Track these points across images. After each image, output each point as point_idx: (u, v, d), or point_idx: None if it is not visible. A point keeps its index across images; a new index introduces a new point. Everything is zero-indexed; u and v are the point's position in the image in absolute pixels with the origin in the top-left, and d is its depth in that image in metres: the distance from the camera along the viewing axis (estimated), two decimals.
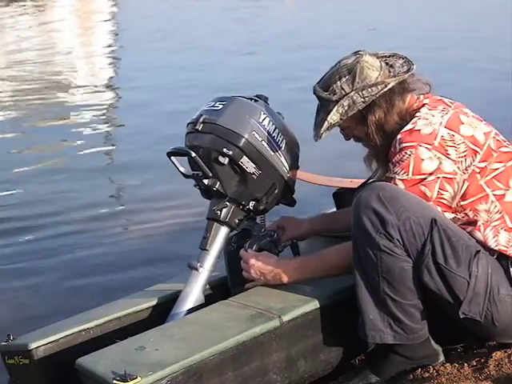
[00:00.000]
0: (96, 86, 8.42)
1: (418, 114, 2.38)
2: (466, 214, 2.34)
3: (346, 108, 2.38)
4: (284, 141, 2.59)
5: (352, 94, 2.37)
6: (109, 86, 8.48)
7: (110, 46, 11.18)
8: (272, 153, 2.55)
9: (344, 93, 2.38)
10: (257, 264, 2.52)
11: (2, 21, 13.44)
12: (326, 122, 2.39)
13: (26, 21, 13.55)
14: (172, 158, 2.61)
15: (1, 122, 7.06)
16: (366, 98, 2.37)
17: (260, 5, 13.90)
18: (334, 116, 2.39)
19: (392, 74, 2.42)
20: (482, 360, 2.40)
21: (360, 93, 2.37)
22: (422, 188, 2.29)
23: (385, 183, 2.33)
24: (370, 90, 2.36)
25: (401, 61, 2.47)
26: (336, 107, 2.39)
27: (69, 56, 10.30)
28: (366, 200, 2.28)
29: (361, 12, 12.36)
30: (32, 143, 6.32)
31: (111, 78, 9.04)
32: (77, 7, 15.62)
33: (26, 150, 6.09)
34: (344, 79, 2.39)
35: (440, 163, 2.29)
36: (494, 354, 2.40)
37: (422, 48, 7.98)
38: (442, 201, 2.31)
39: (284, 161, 2.59)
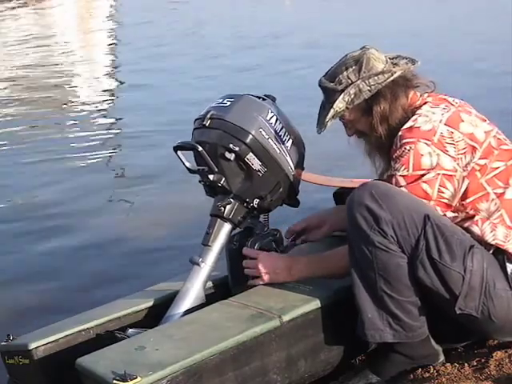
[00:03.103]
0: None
1: (418, 112, 2.39)
2: (467, 213, 2.35)
3: (353, 96, 2.39)
4: (290, 140, 2.59)
5: (358, 82, 2.38)
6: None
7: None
8: (278, 151, 2.55)
9: (350, 81, 2.39)
10: (263, 260, 2.52)
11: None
12: (332, 110, 2.40)
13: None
14: (178, 152, 2.61)
15: (1, 122, 7.06)
16: (372, 87, 2.38)
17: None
18: (340, 104, 2.40)
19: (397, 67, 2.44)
20: (483, 360, 2.40)
21: (366, 81, 2.38)
22: (424, 185, 2.29)
23: (378, 181, 2.34)
24: (376, 78, 2.38)
25: (405, 60, 2.48)
26: (342, 95, 2.39)
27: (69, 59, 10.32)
28: (359, 198, 2.28)
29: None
30: (31, 143, 6.32)
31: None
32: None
33: (27, 151, 6.09)
34: (351, 69, 2.40)
35: (439, 159, 2.29)
36: (494, 354, 2.40)
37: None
38: (443, 200, 2.31)
39: (289, 160, 2.59)
